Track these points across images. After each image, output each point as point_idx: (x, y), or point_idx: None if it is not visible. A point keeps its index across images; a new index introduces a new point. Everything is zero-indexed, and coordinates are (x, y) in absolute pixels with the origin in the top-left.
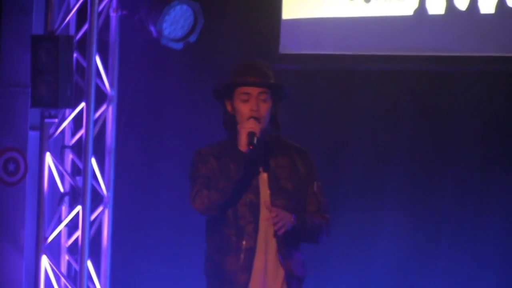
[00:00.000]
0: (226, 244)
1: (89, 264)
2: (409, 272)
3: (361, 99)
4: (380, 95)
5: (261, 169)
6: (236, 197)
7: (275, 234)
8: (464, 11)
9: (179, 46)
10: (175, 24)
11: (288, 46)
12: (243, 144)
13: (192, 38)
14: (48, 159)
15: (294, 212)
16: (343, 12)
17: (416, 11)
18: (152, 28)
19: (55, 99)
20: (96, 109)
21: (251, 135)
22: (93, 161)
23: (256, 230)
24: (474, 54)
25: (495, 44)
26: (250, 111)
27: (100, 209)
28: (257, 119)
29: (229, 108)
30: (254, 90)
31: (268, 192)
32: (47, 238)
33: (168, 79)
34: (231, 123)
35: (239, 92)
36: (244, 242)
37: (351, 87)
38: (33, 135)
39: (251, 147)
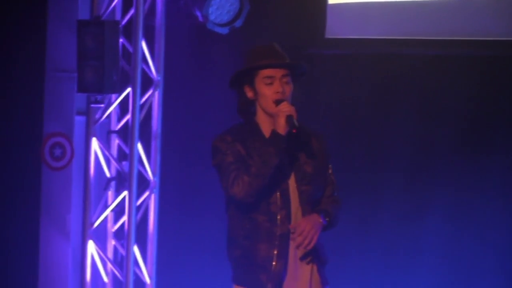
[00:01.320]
0: (259, 231)
1: (136, 249)
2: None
3: (407, 83)
4: (427, 79)
5: (303, 155)
6: (276, 181)
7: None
8: None
9: (224, 31)
10: (221, 9)
11: (334, 30)
12: (281, 127)
13: (238, 23)
14: (94, 144)
15: (316, 197)
16: None
17: None
18: (198, 13)
19: (101, 84)
20: (142, 94)
21: (290, 118)
22: (139, 146)
23: (288, 216)
24: None
25: None
26: (276, 93)
27: (146, 194)
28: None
29: (249, 94)
30: (278, 73)
31: (293, 178)
32: (93, 223)
33: (213, 64)
34: (248, 109)
35: (262, 76)
36: (277, 228)
37: (397, 72)
38: (79, 120)
39: (294, 130)
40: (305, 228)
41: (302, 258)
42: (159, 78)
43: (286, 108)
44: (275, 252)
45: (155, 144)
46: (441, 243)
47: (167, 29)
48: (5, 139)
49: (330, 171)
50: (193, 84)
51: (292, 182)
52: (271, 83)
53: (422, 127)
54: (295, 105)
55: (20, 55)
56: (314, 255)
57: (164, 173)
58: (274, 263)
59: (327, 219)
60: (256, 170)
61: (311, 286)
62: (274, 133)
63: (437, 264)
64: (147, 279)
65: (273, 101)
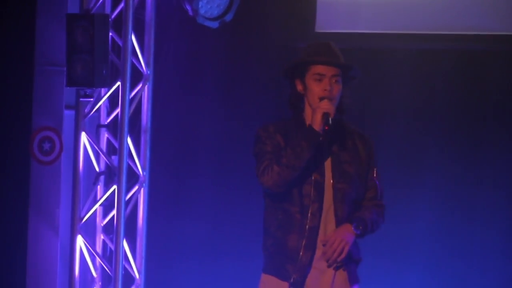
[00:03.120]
0: (290, 222)
1: (125, 243)
2: (445, 254)
3: (397, 78)
4: (417, 74)
5: (335, 148)
6: (306, 175)
7: (335, 214)
8: None
9: (215, 25)
10: (211, 2)
11: (324, 25)
12: (317, 123)
13: (228, 17)
14: (84, 138)
15: (351, 197)
16: None
17: None
18: (188, 7)
19: (91, 78)
20: (132, 88)
21: (326, 115)
22: (129, 140)
23: (320, 209)
24: None
25: None
26: (323, 91)
27: (135, 188)
28: (330, 99)
29: (299, 87)
30: (328, 71)
31: (330, 174)
32: (82, 217)
33: (203, 58)
34: (297, 103)
35: (313, 72)
36: (308, 221)
37: (387, 66)
38: (68, 114)
39: (326, 128)
40: (335, 241)
41: (330, 265)
42: (149, 72)
43: (325, 105)
44: (303, 243)
45: (145, 138)
46: (431, 235)
47: (157, 23)
48: None
49: (374, 174)
50: (183, 78)
51: (328, 178)
52: (320, 80)
53: (413, 122)
54: (345, 106)
55: (9, 49)
56: (344, 258)
57: (154, 167)
58: (301, 253)
59: (360, 227)
60: (286, 161)
61: (335, 281)
62: (309, 127)
63: (427, 255)
64: (136, 274)
65: (318, 98)
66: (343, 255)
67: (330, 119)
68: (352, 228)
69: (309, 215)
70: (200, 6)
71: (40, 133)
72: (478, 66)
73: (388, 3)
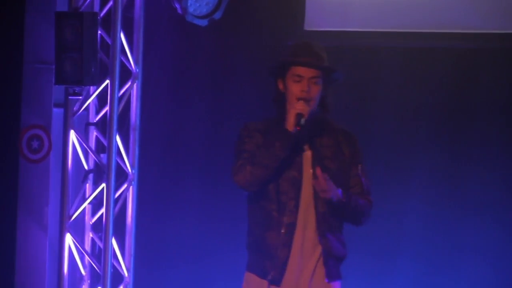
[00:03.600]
0: (267, 219)
1: (114, 241)
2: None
3: (387, 76)
4: (407, 72)
5: (306, 146)
6: (278, 174)
7: (316, 210)
8: None
9: (204, 23)
10: (200, 1)
11: (313, 23)
12: (290, 124)
13: (217, 15)
14: (72, 136)
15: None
16: None
17: None
18: (177, 5)
19: (80, 76)
20: (121, 86)
21: (298, 116)
22: (118, 138)
23: (297, 206)
24: (501, 31)
25: None
26: (301, 92)
27: (124, 186)
28: (307, 100)
29: (280, 86)
30: (307, 73)
31: (311, 170)
32: (71, 215)
33: (193, 56)
34: (280, 101)
35: (292, 73)
36: (285, 218)
37: (377, 64)
38: (57, 112)
39: (298, 128)
40: (324, 180)
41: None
42: (137, 70)
43: (299, 106)
44: (281, 240)
45: (134, 136)
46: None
47: (146, 21)
48: None
49: (359, 171)
50: (172, 76)
51: (307, 175)
52: (299, 81)
53: (404, 120)
54: (329, 105)
55: None
56: (323, 246)
57: (143, 165)
58: (278, 251)
59: (345, 195)
60: (258, 161)
61: (313, 277)
62: (282, 128)
63: (418, 248)
64: (125, 272)
65: (296, 98)
66: (327, 194)
67: (302, 120)
68: (339, 192)
69: (286, 212)
70: (189, 4)
71: (28, 131)
72: (469, 64)
73: (377, 1)
